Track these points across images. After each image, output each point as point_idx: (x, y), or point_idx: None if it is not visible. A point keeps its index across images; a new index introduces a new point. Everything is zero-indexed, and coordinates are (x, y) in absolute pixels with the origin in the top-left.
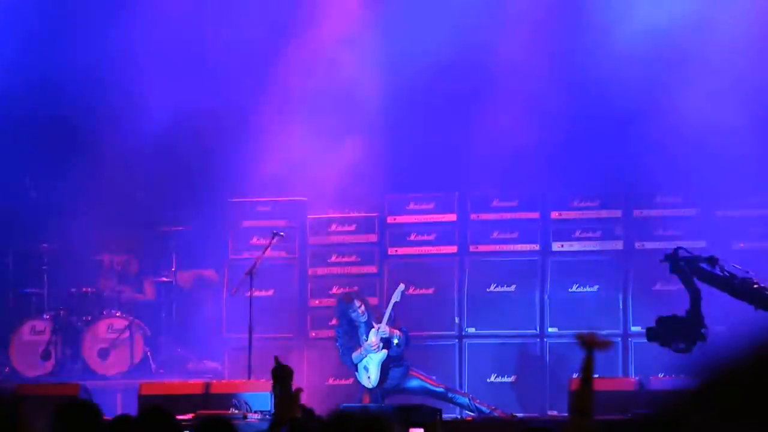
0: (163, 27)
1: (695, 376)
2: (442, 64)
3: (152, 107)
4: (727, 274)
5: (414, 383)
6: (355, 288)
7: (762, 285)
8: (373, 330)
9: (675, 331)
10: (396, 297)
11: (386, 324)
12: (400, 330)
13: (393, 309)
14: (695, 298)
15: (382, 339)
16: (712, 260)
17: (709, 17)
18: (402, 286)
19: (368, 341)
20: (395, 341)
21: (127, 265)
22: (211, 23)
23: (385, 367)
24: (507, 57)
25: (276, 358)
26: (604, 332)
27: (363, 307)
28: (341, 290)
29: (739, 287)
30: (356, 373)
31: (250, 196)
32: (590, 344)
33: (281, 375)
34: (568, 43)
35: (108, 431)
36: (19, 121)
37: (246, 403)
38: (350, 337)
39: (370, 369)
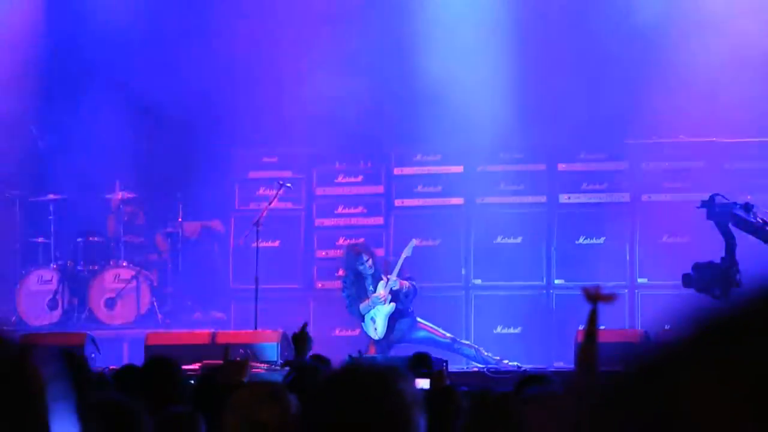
0: None
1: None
2: (445, 15)
3: (158, 58)
4: (760, 221)
5: (421, 334)
6: (362, 239)
7: None
8: (381, 282)
9: (711, 278)
10: (407, 252)
11: (396, 276)
12: (409, 282)
13: (403, 263)
14: (730, 244)
15: (391, 291)
16: (747, 207)
17: None
18: (414, 241)
19: (377, 293)
20: (404, 293)
21: (135, 215)
22: None
23: (392, 319)
24: (512, 10)
25: (304, 324)
26: (610, 284)
27: (370, 261)
28: (348, 241)
29: None
30: (363, 323)
31: (257, 147)
32: (595, 297)
33: (301, 342)
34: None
35: (113, 381)
36: (23, 66)
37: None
38: (357, 288)
39: (377, 320)
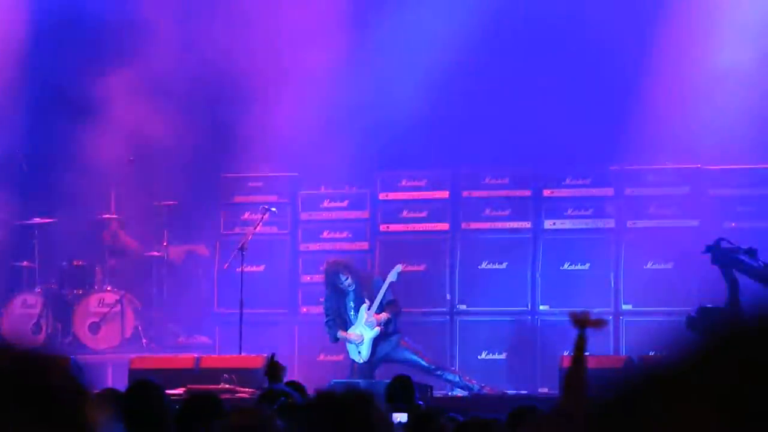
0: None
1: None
2: (433, 40)
3: (144, 80)
4: (763, 265)
5: (404, 355)
6: (342, 257)
7: None
8: (363, 306)
9: (715, 322)
10: (392, 277)
11: (375, 311)
12: (389, 308)
13: (388, 287)
14: (734, 288)
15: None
16: (752, 252)
17: None
18: (400, 267)
19: (354, 333)
20: (386, 321)
21: (119, 239)
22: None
23: (376, 341)
24: (496, 35)
25: (270, 356)
26: (595, 310)
27: (350, 279)
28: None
29: None
30: (347, 346)
31: (243, 172)
32: (583, 323)
33: (272, 371)
34: (555, 17)
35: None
36: (9, 84)
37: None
38: (337, 303)
39: (361, 345)
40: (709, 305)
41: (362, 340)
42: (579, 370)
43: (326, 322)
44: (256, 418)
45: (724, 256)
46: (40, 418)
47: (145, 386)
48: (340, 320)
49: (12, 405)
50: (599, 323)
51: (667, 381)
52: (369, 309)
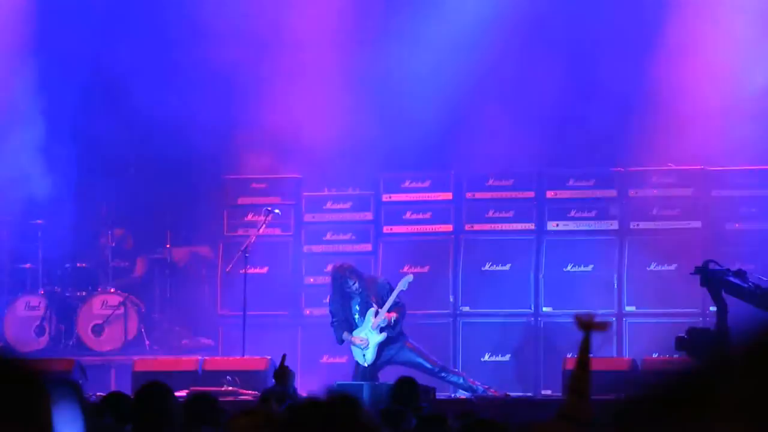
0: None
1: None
2: (437, 43)
3: (149, 84)
4: (752, 286)
5: (408, 357)
6: (348, 261)
7: None
8: (371, 310)
9: (703, 344)
10: (402, 286)
11: (386, 311)
12: (396, 308)
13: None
14: (723, 311)
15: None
16: (740, 273)
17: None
18: (410, 277)
19: (360, 337)
20: (394, 321)
21: (123, 240)
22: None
23: (381, 346)
24: (500, 37)
25: (282, 357)
26: (599, 312)
27: (357, 284)
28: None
29: (762, 298)
30: (352, 348)
31: (246, 173)
32: (588, 325)
33: (281, 374)
34: (558, 19)
35: (102, 407)
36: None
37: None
38: (343, 307)
39: (367, 348)
40: (698, 327)
41: (368, 344)
42: (584, 372)
43: (332, 323)
44: (266, 420)
45: (713, 278)
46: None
47: (155, 388)
48: (345, 323)
49: None
50: (604, 326)
51: (697, 391)
52: (376, 315)
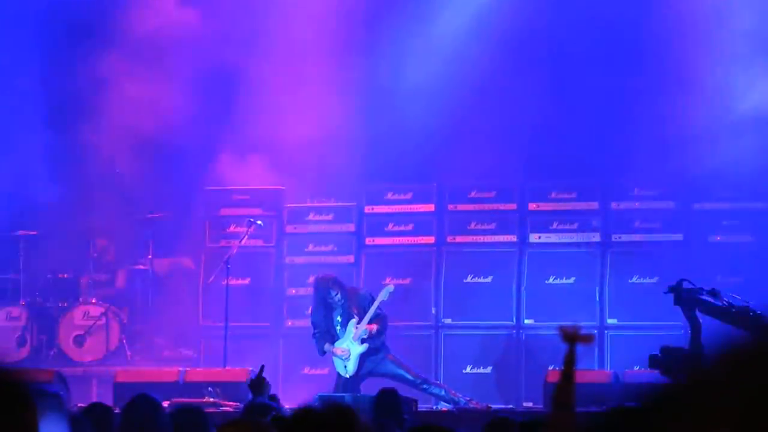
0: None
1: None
2: (422, 55)
3: (130, 93)
4: (726, 304)
5: (390, 368)
6: (331, 272)
7: (759, 313)
8: (352, 321)
9: (677, 362)
10: (383, 296)
11: (367, 322)
12: (378, 320)
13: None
14: (696, 330)
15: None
16: (714, 292)
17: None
18: (391, 287)
19: (341, 348)
20: (376, 333)
21: (104, 251)
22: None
23: (362, 357)
24: (486, 49)
25: (261, 368)
26: (581, 325)
27: (339, 294)
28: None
29: (736, 316)
30: (333, 359)
31: (228, 184)
32: (572, 337)
33: (257, 385)
34: (543, 33)
35: (83, 419)
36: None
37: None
38: (325, 318)
39: (348, 359)
40: (672, 346)
41: (349, 355)
42: (568, 385)
43: (313, 334)
44: (255, 430)
45: (686, 297)
46: None
47: (143, 400)
48: (327, 334)
49: None
50: (588, 338)
51: (676, 404)
52: (357, 325)
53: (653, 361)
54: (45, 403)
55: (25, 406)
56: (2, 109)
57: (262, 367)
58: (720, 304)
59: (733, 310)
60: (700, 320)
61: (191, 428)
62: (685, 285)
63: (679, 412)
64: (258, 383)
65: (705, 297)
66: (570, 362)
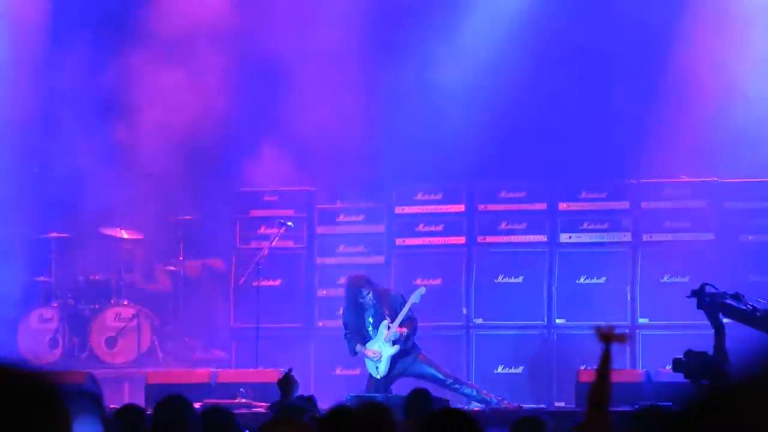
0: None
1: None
2: (450, 55)
3: (162, 94)
4: (750, 308)
5: (421, 369)
6: (363, 272)
7: None
8: (384, 322)
9: (701, 367)
10: (415, 298)
11: (398, 324)
12: (409, 323)
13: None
14: (720, 334)
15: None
16: (738, 296)
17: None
18: (423, 290)
19: (373, 350)
20: (406, 336)
21: (136, 253)
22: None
23: (394, 358)
24: (513, 49)
25: (289, 370)
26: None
27: (370, 294)
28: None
29: (760, 320)
30: (366, 361)
31: (259, 186)
32: (608, 337)
33: (286, 385)
34: (570, 31)
35: (115, 420)
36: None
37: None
38: (357, 318)
39: (380, 361)
40: (695, 350)
41: (380, 357)
42: (604, 385)
43: (345, 335)
44: (300, 430)
45: (709, 301)
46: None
47: (173, 401)
48: (358, 335)
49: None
50: (624, 338)
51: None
52: (389, 327)
53: (677, 365)
54: (80, 403)
55: (57, 411)
56: (37, 110)
57: (289, 370)
58: (744, 308)
59: (758, 314)
60: (724, 324)
61: (221, 428)
62: (708, 289)
63: (720, 420)
64: (286, 381)
65: (729, 301)
66: (606, 361)
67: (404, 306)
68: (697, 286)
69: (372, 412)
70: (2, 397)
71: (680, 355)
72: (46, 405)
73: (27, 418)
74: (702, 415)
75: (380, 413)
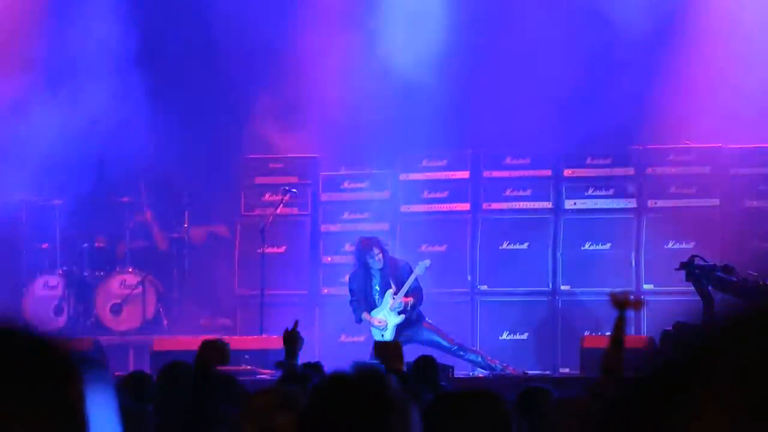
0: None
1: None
2: (453, 21)
3: (166, 64)
4: (741, 280)
5: (427, 336)
6: (375, 236)
7: None
8: (389, 291)
9: (690, 338)
10: (419, 270)
11: (403, 295)
12: (413, 294)
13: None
14: (709, 305)
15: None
16: (728, 269)
17: None
18: (427, 262)
19: (378, 319)
20: (411, 306)
21: (142, 218)
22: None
23: (399, 328)
24: (516, 14)
25: (295, 322)
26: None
27: (380, 255)
28: (353, 247)
29: (751, 291)
30: (371, 328)
31: (263, 153)
32: (623, 304)
33: (289, 338)
34: (574, 2)
35: (121, 387)
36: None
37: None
38: (365, 284)
39: (385, 329)
40: (684, 321)
41: (386, 326)
42: (617, 351)
43: (350, 301)
44: (284, 398)
45: (699, 273)
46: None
47: (178, 367)
48: (364, 301)
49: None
50: (639, 304)
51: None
52: (395, 295)
53: (665, 337)
54: (90, 370)
55: (71, 378)
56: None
57: (296, 322)
58: (735, 280)
59: (748, 286)
60: (713, 296)
61: (222, 393)
62: (697, 262)
63: (679, 386)
64: (291, 337)
65: (719, 273)
66: (620, 328)
67: (410, 276)
68: (702, 251)
69: (369, 380)
70: (16, 362)
71: (661, 331)
72: (61, 370)
73: (42, 383)
74: (659, 384)
75: (378, 381)
